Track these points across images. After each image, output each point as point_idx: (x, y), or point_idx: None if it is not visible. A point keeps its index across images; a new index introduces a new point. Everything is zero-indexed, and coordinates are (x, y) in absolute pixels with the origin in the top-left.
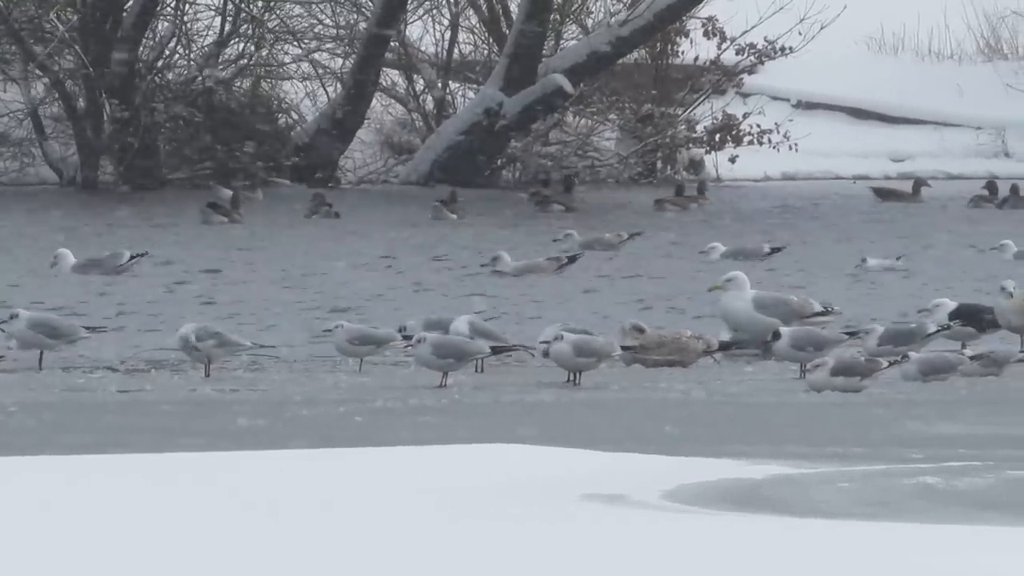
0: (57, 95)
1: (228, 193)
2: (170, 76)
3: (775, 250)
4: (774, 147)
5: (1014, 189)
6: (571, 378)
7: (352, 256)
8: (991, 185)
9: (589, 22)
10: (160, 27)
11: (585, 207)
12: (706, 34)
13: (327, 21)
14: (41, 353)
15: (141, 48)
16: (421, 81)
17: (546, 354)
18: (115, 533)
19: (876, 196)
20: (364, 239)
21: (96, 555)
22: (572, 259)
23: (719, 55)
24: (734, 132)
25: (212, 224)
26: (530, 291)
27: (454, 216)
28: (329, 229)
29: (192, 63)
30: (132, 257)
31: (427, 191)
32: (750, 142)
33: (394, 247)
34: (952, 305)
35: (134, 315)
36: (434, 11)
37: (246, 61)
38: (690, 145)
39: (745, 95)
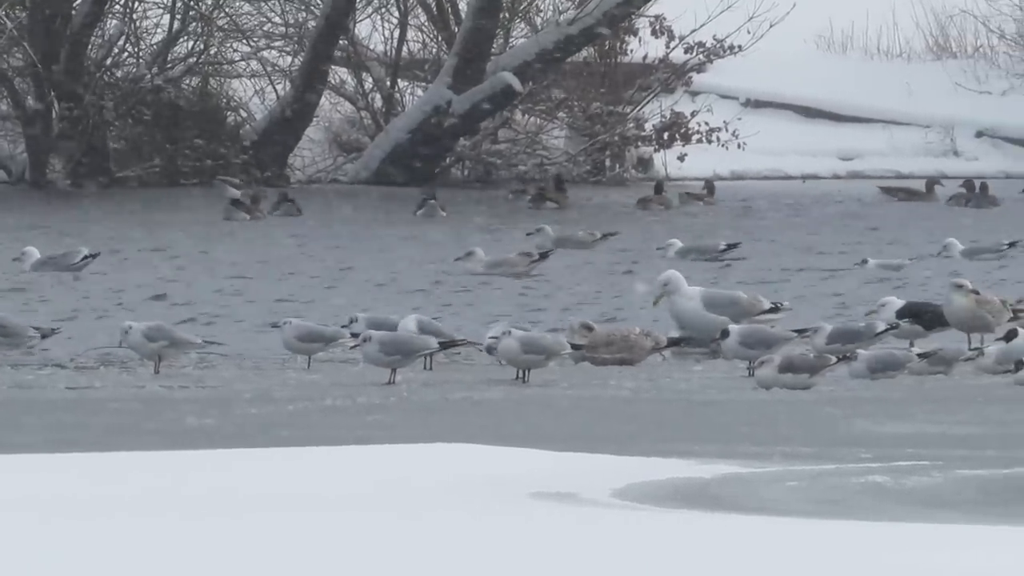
0: (5, 93)
1: (235, 191)
2: (119, 74)
3: (730, 246)
4: (723, 145)
5: (983, 187)
6: (520, 376)
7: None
8: (969, 184)
9: (538, 20)
10: (109, 25)
11: (578, 205)
12: (655, 32)
13: (276, 19)
14: None
15: (90, 46)
16: (370, 79)
17: (491, 351)
18: (60, 533)
19: (885, 195)
20: (349, 239)
21: (40, 554)
22: (544, 255)
23: (668, 53)
24: (683, 130)
25: (235, 221)
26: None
27: (443, 213)
28: (320, 227)
29: (141, 61)
30: (86, 256)
31: (402, 190)
32: (699, 140)
33: (390, 245)
34: (899, 303)
35: (89, 312)
36: (383, 9)
37: (195, 59)
38: (639, 143)
39: (694, 93)
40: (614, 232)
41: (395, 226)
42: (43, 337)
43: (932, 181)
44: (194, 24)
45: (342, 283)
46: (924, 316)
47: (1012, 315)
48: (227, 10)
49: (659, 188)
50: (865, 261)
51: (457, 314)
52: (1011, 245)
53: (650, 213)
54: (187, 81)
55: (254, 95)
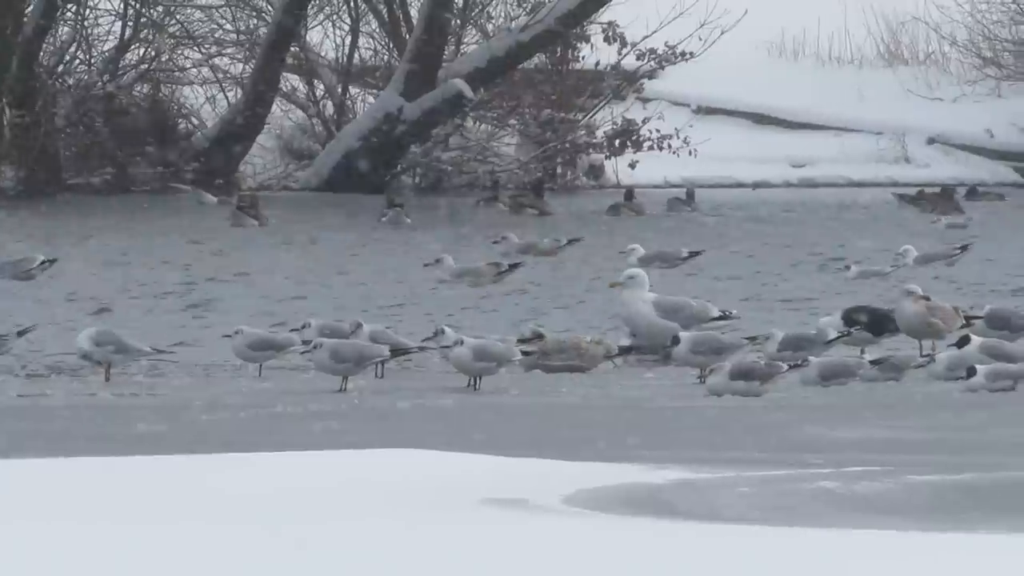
0: None
1: (213, 199)
2: (71, 81)
3: (693, 254)
4: (674, 152)
5: (946, 194)
6: (471, 383)
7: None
8: (946, 191)
9: (490, 27)
10: (60, 32)
11: (559, 212)
12: (607, 39)
13: (227, 26)
14: None
15: (42, 53)
16: (321, 86)
17: (446, 358)
18: (9, 539)
19: (905, 203)
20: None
21: None
22: (513, 267)
23: (619, 60)
24: (634, 137)
25: (245, 227)
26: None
27: (409, 220)
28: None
29: (93, 68)
30: (42, 263)
31: (369, 198)
32: (650, 147)
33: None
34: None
35: (42, 319)
36: (334, 16)
37: (147, 66)
38: (590, 151)
39: (645, 100)
40: (579, 238)
41: (358, 232)
42: (19, 335)
43: (948, 190)
44: (146, 31)
45: (315, 293)
46: (866, 318)
47: (963, 322)
48: (178, 17)
49: (629, 195)
50: (848, 267)
51: (430, 319)
52: (963, 249)
53: (621, 219)
54: (139, 88)
55: (205, 102)
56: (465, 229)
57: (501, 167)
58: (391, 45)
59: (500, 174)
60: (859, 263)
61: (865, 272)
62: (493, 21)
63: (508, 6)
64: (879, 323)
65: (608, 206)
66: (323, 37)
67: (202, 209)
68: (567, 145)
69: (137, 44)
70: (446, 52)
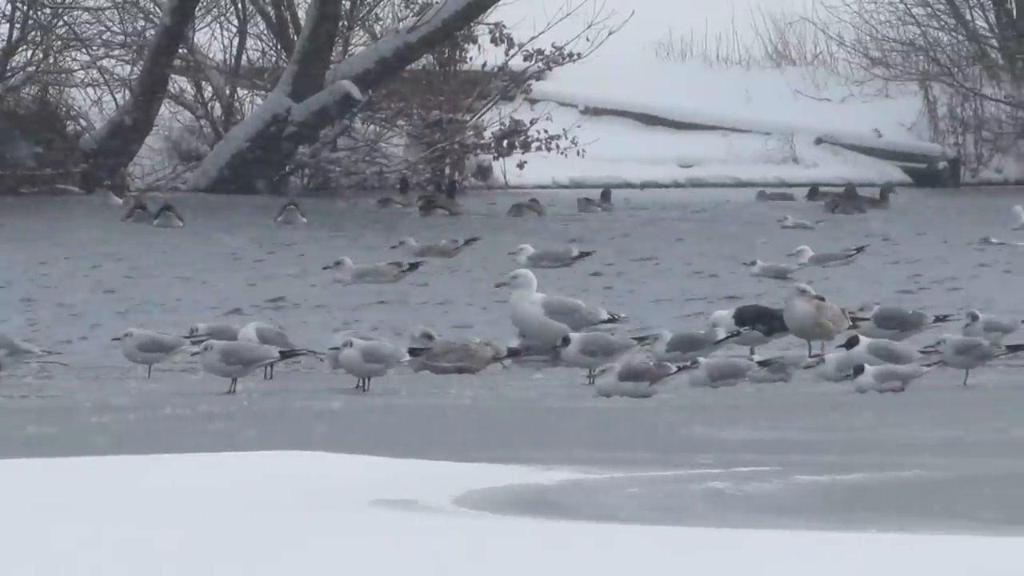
0: None
1: (118, 200)
2: None
3: (583, 254)
4: (562, 153)
5: (852, 192)
6: (361, 384)
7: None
8: (850, 189)
9: (377, 28)
10: None
11: (468, 212)
12: (494, 40)
13: (115, 28)
14: None
15: None
16: (209, 88)
17: (332, 359)
18: None
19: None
20: (213, 245)
21: None
22: (413, 266)
23: (507, 61)
24: (522, 138)
25: (171, 228)
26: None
27: (304, 219)
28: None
29: None
30: None
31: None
32: (538, 148)
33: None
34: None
35: None
36: (222, 18)
37: (34, 68)
38: (478, 151)
39: (533, 101)
40: (476, 238)
41: (254, 232)
42: None
43: (886, 189)
44: (33, 33)
45: (209, 295)
46: (757, 318)
47: (851, 323)
48: (66, 19)
49: (534, 201)
50: (753, 262)
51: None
52: (858, 251)
53: (524, 220)
54: (26, 90)
55: (93, 104)
56: (367, 230)
57: (389, 168)
58: (279, 46)
59: (388, 175)
60: (764, 260)
61: (768, 269)
62: (381, 22)
63: (396, 7)
64: (770, 322)
65: (511, 206)
66: (211, 39)
67: (102, 211)
68: (455, 146)
69: (25, 46)
70: (334, 53)
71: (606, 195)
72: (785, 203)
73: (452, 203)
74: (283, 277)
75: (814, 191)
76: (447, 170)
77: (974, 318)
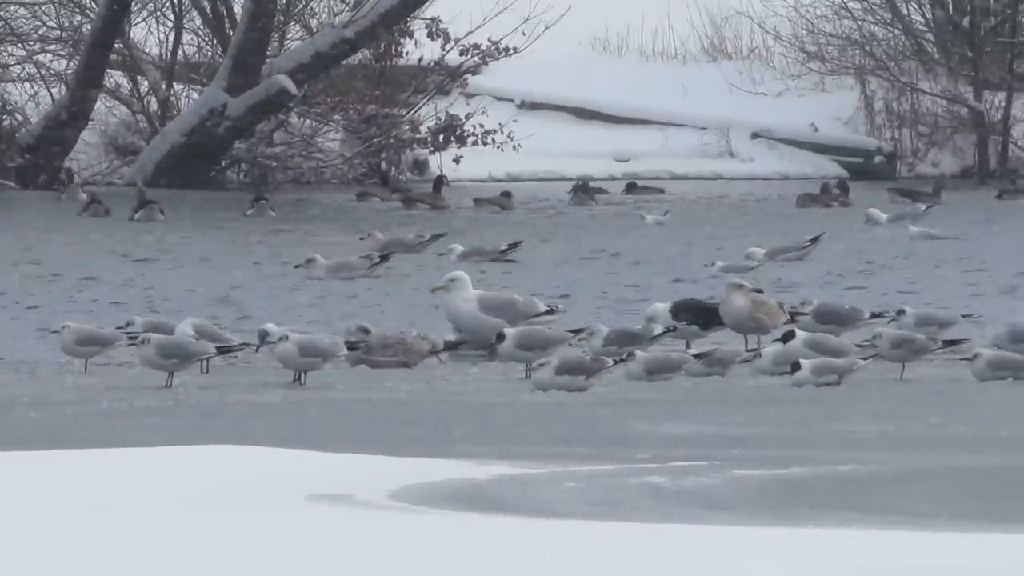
0: None
1: (84, 196)
2: None
3: (511, 247)
4: (498, 147)
5: (826, 188)
6: (297, 378)
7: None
8: (825, 186)
9: (313, 23)
10: None
11: (450, 206)
12: (430, 35)
13: (51, 23)
14: None
15: None
16: (146, 82)
17: (271, 352)
18: None
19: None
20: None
21: None
22: (384, 258)
23: (443, 56)
24: (458, 133)
25: (154, 222)
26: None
27: (274, 213)
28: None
29: None
30: None
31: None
32: (474, 143)
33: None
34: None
35: None
36: (158, 12)
37: None
38: (414, 146)
39: (469, 96)
40: (443, 233)
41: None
42: None
43: (939, 183)
44: None
45: (181, 290)
46: (693, 312)
47: (788, 318)
48: (2, 14)
49: (506, 197)
50: (713, 264)
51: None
52: (813, 241)
53: (494, 213)
54: None
55: (30, 99)
56: (333, 224)
57: (326, 163)
58: (215, 41)
59: (324, 170)
60: (723, 260)
61: (729, 268)
62: (317, 17)
63: (332, 2)
64: (706, 316)
65: (472, 200)
66: (147, 33)
67: (42, 206)
68: (391, 140)
69: None
70: (270, 48)
71: (585, 188)
72: (602, 196)
73: (436, 197)
74: (236, 273)
75: (631, 186)
76: (383, 165)
77: (901, 313)
